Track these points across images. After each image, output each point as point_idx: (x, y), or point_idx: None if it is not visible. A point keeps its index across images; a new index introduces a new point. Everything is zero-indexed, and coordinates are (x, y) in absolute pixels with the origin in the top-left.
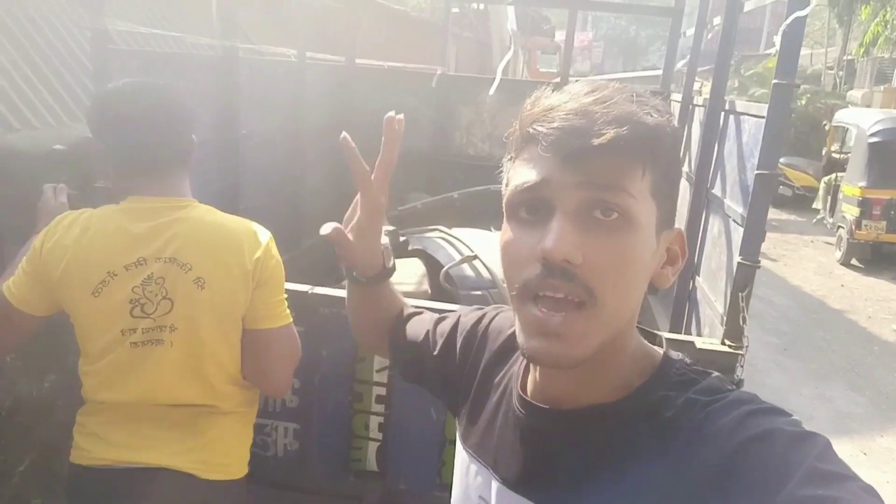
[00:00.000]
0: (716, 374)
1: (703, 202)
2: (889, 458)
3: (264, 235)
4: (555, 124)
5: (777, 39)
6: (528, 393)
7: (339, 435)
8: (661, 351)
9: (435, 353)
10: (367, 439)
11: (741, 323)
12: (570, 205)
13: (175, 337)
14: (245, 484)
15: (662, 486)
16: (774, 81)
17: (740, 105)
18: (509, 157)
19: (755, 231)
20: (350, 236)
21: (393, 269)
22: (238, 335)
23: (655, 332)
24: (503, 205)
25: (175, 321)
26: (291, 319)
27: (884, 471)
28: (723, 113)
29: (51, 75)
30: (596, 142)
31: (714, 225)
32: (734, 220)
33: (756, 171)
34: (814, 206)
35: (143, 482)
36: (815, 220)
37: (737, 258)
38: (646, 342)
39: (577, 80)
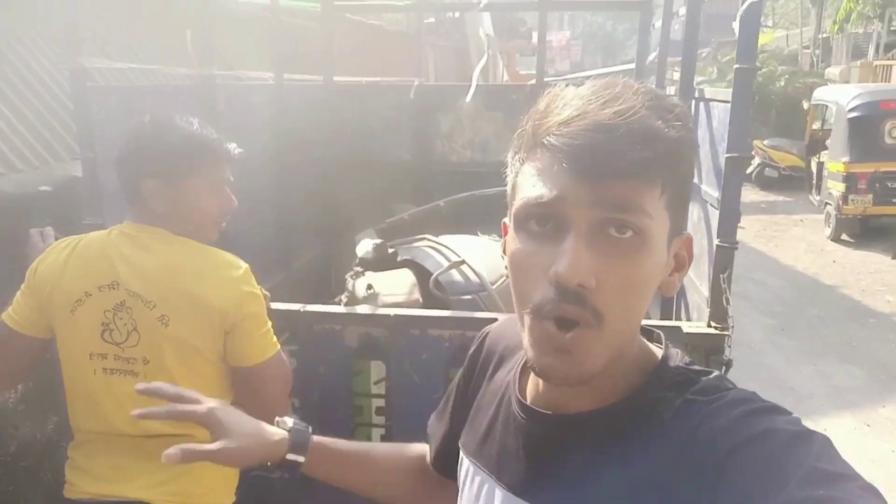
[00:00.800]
0: (715, 373)
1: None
2: (892, 428)
3: (235, 272)
4: (573, 140)
5: (735, 25)
6: (529, 398)
7: None
8: (660, 349)
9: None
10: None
11: (725, 304)
12: (584, 223)
13: (148, 370)
14: None
15: (663, 487)
16: (736, 66)
17: (708, 91)
18: (518, 157)
19: (730, 213)
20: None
21: (300, 463)
22: (213, 369)
23: (654, 328)
24: (511, 213)
25: (146, 354)
26: (279, 346)
27: (888, 440)
28: (693, 101)
29: (31, 116)
30: (619, 164)
31: (694, 211)
32: (711, 205)
33: (726, 155)
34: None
35: None
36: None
37: (715, 241)
38: (645, 341)
39: (589, 79)
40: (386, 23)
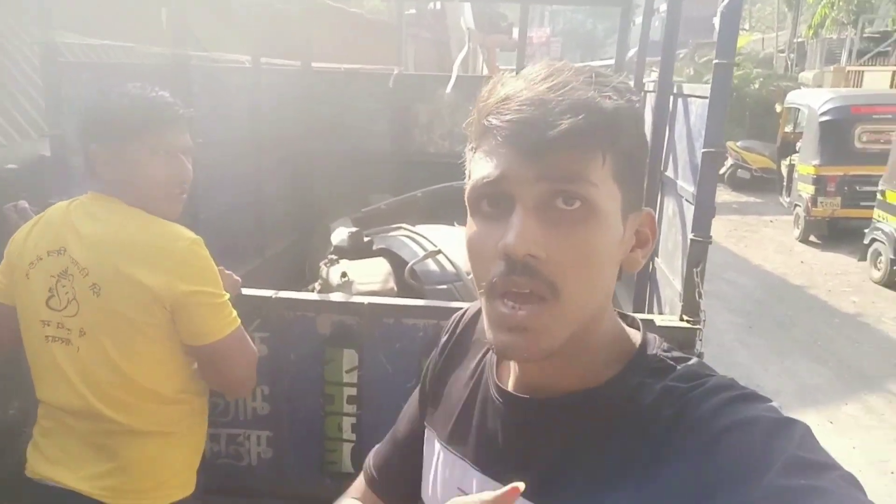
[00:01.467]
0: (694, 359)
1: (658, 184)
2: (854, 425)
3: (175, 245)
4: (509, 116)
5: (716, 21)
6: (507, 383)
7: (313, 439)
8: (638, 334)
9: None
10: (340, 441)
11: (697, 298)
12: (530, 198)
13: (83, 342)
14: None
15: (642, 473)
16: (715, 62)
17: (687, 88)
18: (470, 147)
19: (705, 208)
20: None
21: None
22: (158, 348)
23: (630, 314)
24: (465, 199)
25: (82, 325)
26: (237, 323)
27: (850, 437)
28: (671, 97)
29: None
30: (551, 133)
31: (669, 206)
32: (686, 200)
33: (703, 150)
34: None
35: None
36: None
37: (689, 235)
38: (623, 325)
39: (535, 64)
40: (367, 12)
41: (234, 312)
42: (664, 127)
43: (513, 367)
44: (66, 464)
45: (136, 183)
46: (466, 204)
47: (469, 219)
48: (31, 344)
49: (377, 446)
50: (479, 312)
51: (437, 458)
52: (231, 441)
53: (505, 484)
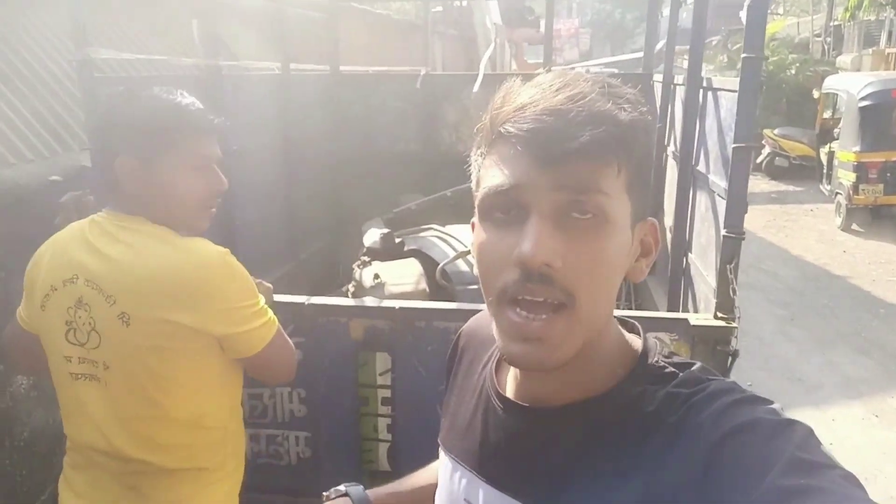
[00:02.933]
0: (697, 364)
1: (690, 179)
2: None
3: (216, 270)
4: (527, 125)
5: (743, 14)
6: (509, 392)
7: (350, 439)
8: (639, 341)
9: None
10: (376, 441)
11: (731, 294)
12: (545, 207)
13: (109, 376)
14: None
15: (647, 480)
16: (743, 55)
17: (716, 81)
18: (479, 151)
19: (737, 203)
20: None
21: None
22: (198, 366)
23: (630, 320)
24: (475, 205)
25: (106, 358)
26: (276, 326)
27: None
28: (701, 90)
29: (41, 107)
30: (571, 144)
31: (701, 201)
32: (718, 195)
33: (733, 145)
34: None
35: None
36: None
37: (722, 231)
38: (623, 332)
39: (547, 71)
40: (393, 12)
41: (270, 313)
42: (694, 121)
43: (514, 376)
44: (104, 495)
45: (168, 197)
46: (476, 210)
47: (478, 224)
48: (57, 379)
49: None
50: (479, 320)
51: (447, 470)
52: (271, 441)
53: (511, 495)
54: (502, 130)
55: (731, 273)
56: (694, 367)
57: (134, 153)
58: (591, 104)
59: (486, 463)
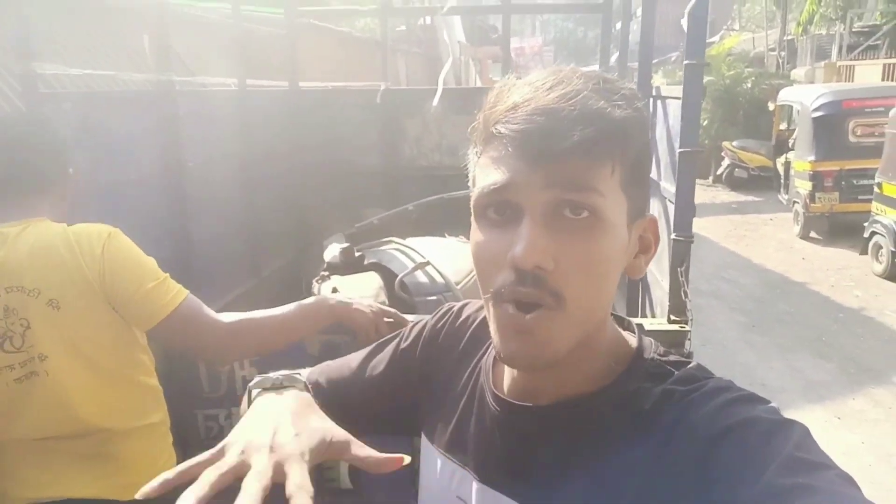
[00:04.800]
0: (693, 362)
1: (648, 199)
2: (861, 420)
3: (101, 233)
4: (519, 126)
5: (683, 23)
6: (503, 389)
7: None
8: (634, 338)
9: (384, 384)
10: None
11: (683, 297)
12: (538, 207)
13: (48, 365)
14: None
15: (643, 477)
16: (685, 62)
17: (664, 90)
18: (475, 151)
19: (685, 207)
20: None
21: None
22: (115, 337)
23: (626, 318)
24: (471, 205)
25: (42, 349)
26: (183, 294)
27: (857, 433)
28: (651, 99)
29: None
30: (563, 143)
31: (654, 208)
32: (669, 200)
33: (678, 150)
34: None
35: None
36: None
37: (672, 235)
38: (619, 329)
39: (542, 70)
40: (358, 30)
41: (175, 288)
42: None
43: (509, 373)
44: (57, 482)
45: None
46: (472, 210)
47: (474, 225)
48: None
49: (323, 365)
50: (473, 313)
51: (437, 466)
52: None
53: (505, 493)
54: (495, 130)
55: (682, 276)
56: (690, 365)
57: (71, 165)
58: (583, 102)
59: (480, 460)
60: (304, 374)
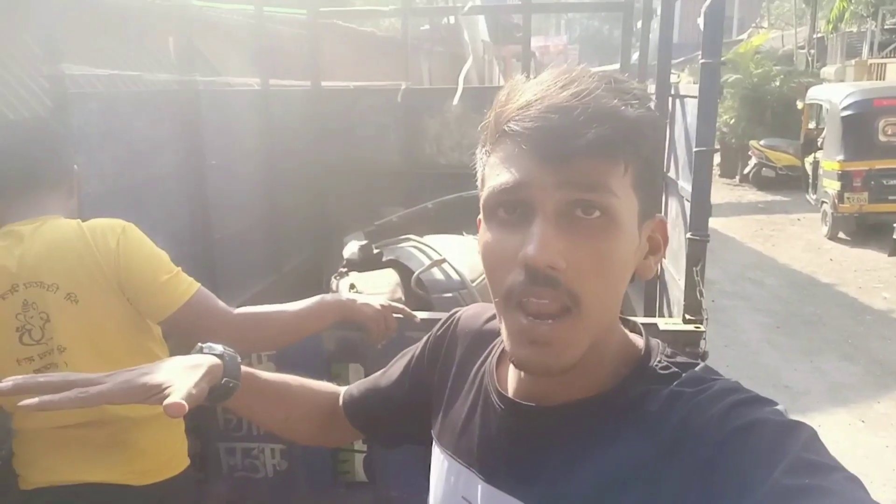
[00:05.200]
0: (701, 363)
1: (659, 199)
2: (887, 424)
3: (115, 227)
4: (532, 123)
5: (700, 22)
6: (509, 390)
7: (325, 450)
8: (641, 340)
9: (400, 394)
10: (352, 451)
11: (698, 297)
12: (550, 206)
13: (67, 357)
14: (191, 473)
15: (650, 480)
16: (701, 61)
17: (683, 88)
18: (484, 149)
19: (701, 206)
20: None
21: (230, 387)
22: (130, 329)
23: (632, 319)
24: (480, 205)
25: (61, 341)
26: (195, 287)
27: (882, 436)
28: (670, 98)
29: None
30: (577, 143)
31: (672, 207)
32: (686, 199)
33: (694, 149)
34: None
35: (83, 497)
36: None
37: (687, 234)
38: (626, 331)
39: (553, 69)
40: (380, 30)
41: (186, 281)
42: (665, 128)
43: (515, 374)
44: (83, 464)
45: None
46: (481, 209)
47: (483, 225)
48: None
49: (360, 381)
50: (478, 312)
51: (444, 467)
52: (246, 454)
53: (510, 494)
54: (506, 129)
55: (697, 275)
56: (697, 367)
57: (75, 162)
58: (596, 101)
59: (485, 461)
60: (343, 389)
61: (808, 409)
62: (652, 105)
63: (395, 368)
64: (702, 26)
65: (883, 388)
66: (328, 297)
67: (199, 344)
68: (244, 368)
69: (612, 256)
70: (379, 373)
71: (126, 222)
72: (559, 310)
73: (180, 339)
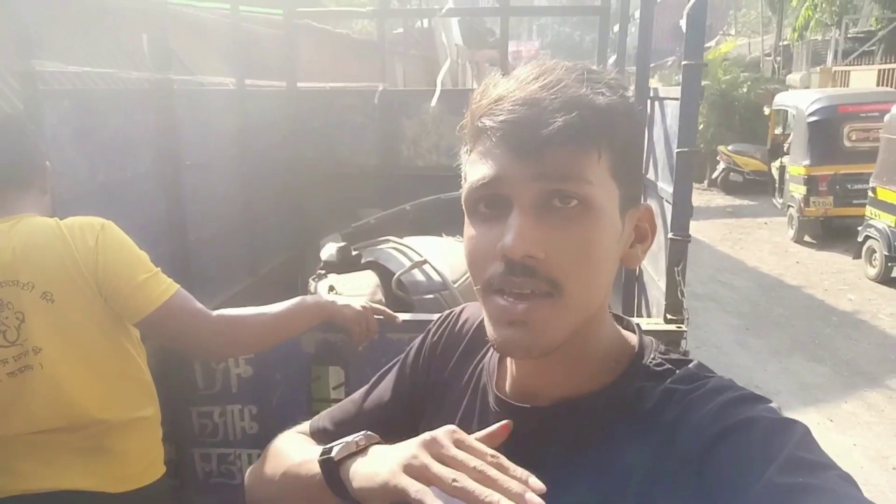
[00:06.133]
0: (694, 361)
1: (641, 188)
2: (854, 423)
3: (94, 225)
4: (502, 117)
5: (682, 24)
6: (505, 390)
7: None
8: (634, 337)
9: (401, 407)
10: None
11: (679, 296)
12: (526, 198)
13: (42, 358)
14: (167, 481)
15: (645, 477)
16: (684, 62)
17: (662, 91)
18: (465, 149)
19: (682, 206)
20: None
21: None
22: (108, 330)
23: (626, 317)
24: (462, 201)
25: (37, 342)
26: (174, 288)
27: (849, 435)
28: (648, 101)
29: None
30: (545, 132)
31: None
32: (666, 201)
33: (676, 150)
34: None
35: None
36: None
37: (669, 234)
38: (619, 328)
39: (527, 64)
40: (356, 32)
41: (166, 282)
42: (644, 118)
43: (510, 373)
44: (53, 475)
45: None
46: (463, 206)
47: (466, 221)
48: None
49: (325, 413)
50: (472, 315)
51: None
52: (222, 460)
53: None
54: (480, 124)
55: (678, 275)
56: (691, 364)
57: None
58: (565, 90)
59: None
60: (306, 425)
61: None
62: (627, 94)
63: (380, 387)
64: (684, 28)
65: (850, 388)
66: (308, 298)
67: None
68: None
69: (592, 244)
70: (348, 401)
71: (105, 220)
72: (540, 294)
73: (157, 340)
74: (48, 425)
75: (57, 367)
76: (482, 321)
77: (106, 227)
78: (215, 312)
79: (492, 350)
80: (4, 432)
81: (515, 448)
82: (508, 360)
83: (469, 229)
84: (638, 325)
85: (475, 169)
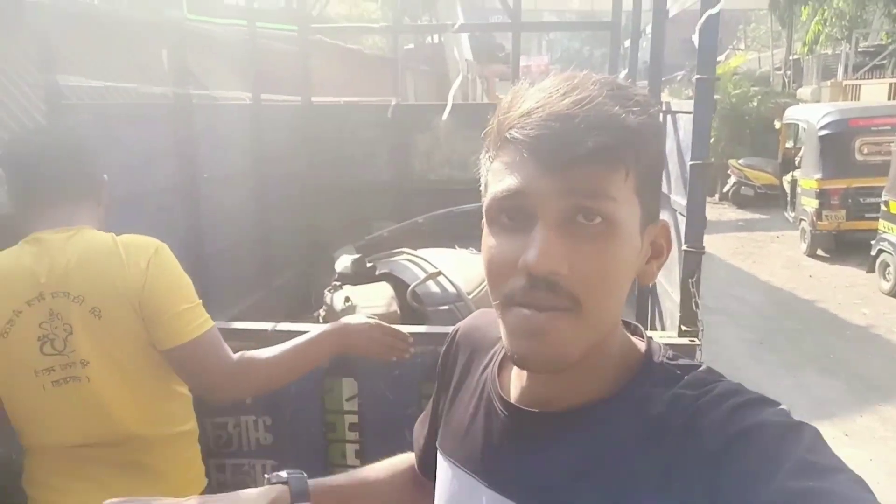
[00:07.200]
0: (703, 366)
1: (659, 204)
2: (870, 437)
3: (149, 247)
4: (533, 131)
5: (695, 38)
6: (512, 396)
7: (317, 466)
8: (642, 343)
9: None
10: (345, 467)
11: (694, 308)
12: (552, 213)
13: (90, 371)
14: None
15: (654, 483)
16: (696, 77)
17: (675, 104)
18: (487, 155)
19: (696, 219)
20: None
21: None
22: (149, 346)
23: (633, 322)
24: (483, 210)
25: (84, 355)
26: (208, 325)
27: (866, 449)
28: (661, 114)
29: (2, 133)
30: (578, 151)
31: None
32: (680, 213)
33: (690, 163)
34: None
35: None
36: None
37: (683, 247)
38: (628, 335)
39: (556, 76)
40: (366, 47)
41: (203, 317)
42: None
43: (517, 379)
44: (97, 487)
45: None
46: (484, 215)
47: (486, 230)
48: (24, 397)
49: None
50: (479, 319)
51: (447, 475)
52: (237, 471)
53: (515, 500)
54: (508, 136)
55: (693, 287)
56: (700, 369)
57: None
58: (597, 108)
59: (490, 468)
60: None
61: None
62: (653, 111)
63: (427, 411)
64: (697, 43)
65: (864, 403)
66: (322, 333)
67: (266, 475)
68: (315, 481)
69: (613, 262)
70: (422, 416)
71: (160, 242)
72: (560, 309)
73: (176, 372)
74: (87, 439)
75: (101, 381)
76: (486, 330)
77: (160, 250)
78: (237, 355)
79: (496, 356)
80: (42, 442)
81: (524, 453)
82: (521, 369)
83: (489, 238)
84: (643, 330)
85: (499, 179)
